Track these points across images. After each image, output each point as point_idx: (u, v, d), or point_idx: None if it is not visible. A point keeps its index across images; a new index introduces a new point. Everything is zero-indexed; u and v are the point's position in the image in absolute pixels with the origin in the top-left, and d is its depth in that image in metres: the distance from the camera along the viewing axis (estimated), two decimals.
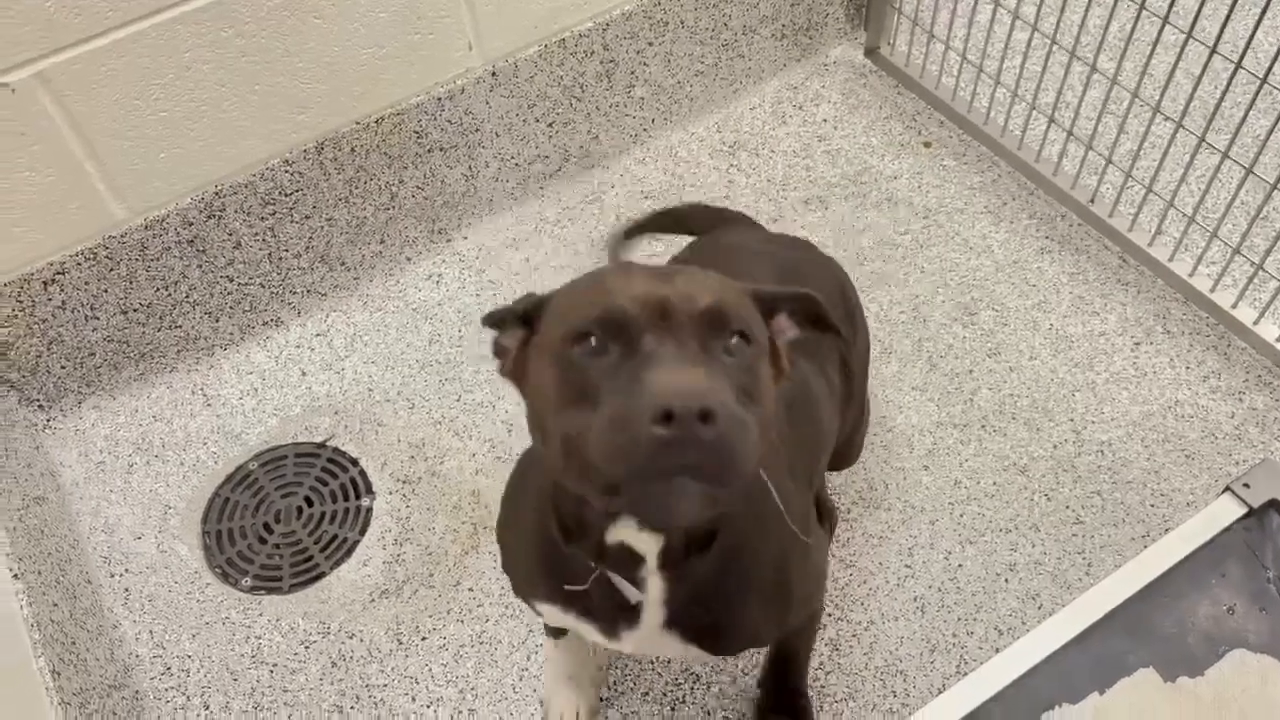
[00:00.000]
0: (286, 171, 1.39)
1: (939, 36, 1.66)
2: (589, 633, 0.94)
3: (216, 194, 1.36)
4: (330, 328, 1.54)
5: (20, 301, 1.31)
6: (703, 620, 0.90)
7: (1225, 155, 1.32)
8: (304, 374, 1.50)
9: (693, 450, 0.62)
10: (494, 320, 0.82)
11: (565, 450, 0.70)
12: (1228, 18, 1.24)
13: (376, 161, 1.46)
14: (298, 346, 1.53)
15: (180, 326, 1.46)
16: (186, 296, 1.43)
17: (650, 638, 0.90)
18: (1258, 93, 1.23)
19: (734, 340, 0.72)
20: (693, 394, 0.62)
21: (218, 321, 1.48)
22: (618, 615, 0.90)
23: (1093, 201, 1.53)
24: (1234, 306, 1.41)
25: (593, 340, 0.70)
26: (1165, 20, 1.31)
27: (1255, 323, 1.40)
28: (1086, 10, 1.42)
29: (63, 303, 1.34)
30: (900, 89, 1.76)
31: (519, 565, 1.00)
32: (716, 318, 0.72)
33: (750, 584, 0.91)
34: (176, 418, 1.46)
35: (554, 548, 0.87)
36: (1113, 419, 1.38)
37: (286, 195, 1.42)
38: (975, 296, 1.52)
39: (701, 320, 0.71)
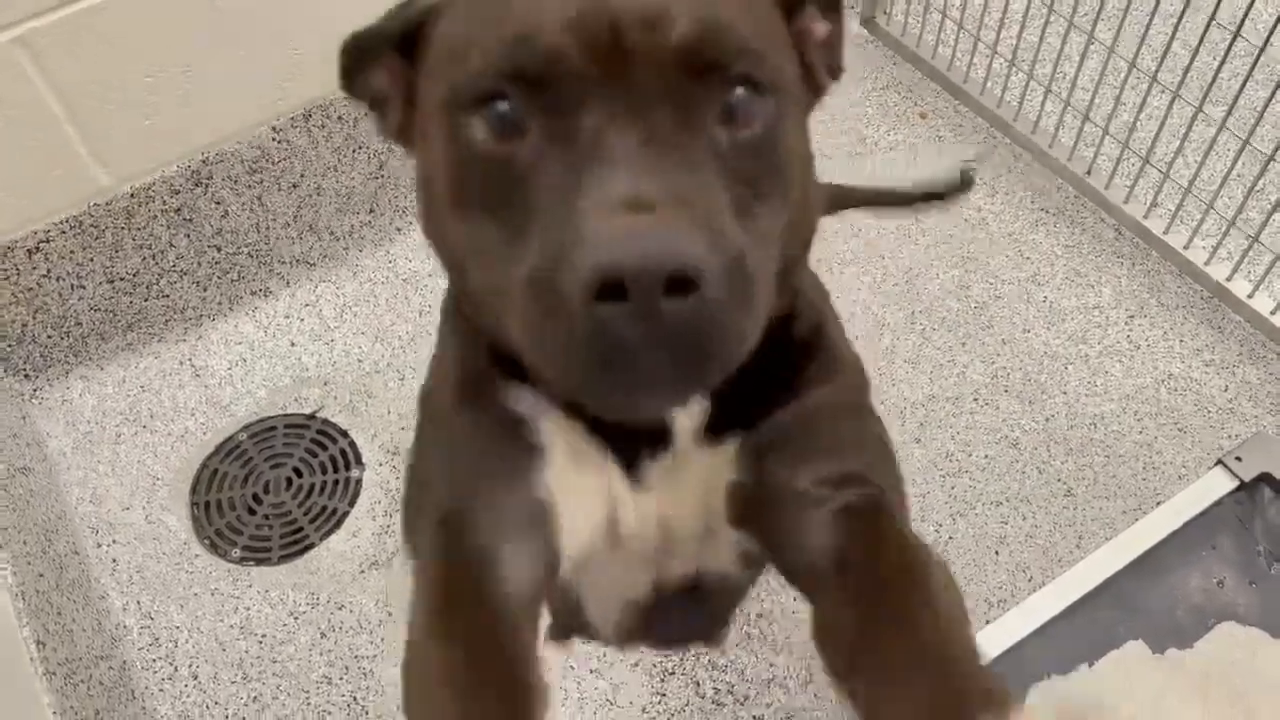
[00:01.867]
0: (274, 139, 1.37)
1: (935, 5, 1.64)
2: (603, 469, 0.59)
3: (203, 162, 1.34)
4: (319, 298, 1.53)
5: (3, 270, 1.30)
6: (752, 413, 0.60)
7: (1222, 126, 1.30)
8: (293, 345, 1.49)
9: (656, 336, 0.40)
10: (355, 52, 0.55)
11: (477, 301, 0.50)
12: None
13: (365, 130, 1.44)
14: (286, 317, 1.51)
15: (168, 296, 1.45)
16: (174, 266, 1.42)
17: (691, 473, 0.60)
18: (1255, 63, 1.22)
19: (737, 93, 0.46)
20: (653, 247, 0.39)
21: (205, 291, 1.47)
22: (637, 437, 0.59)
23: (1089, 173, 1.52)
24: (1229, 279, 1.40)
25: (500, 105, 0.45)
26: None
27: (1249, 296, 1.39)
28: None
29: (47, 271, 1.33)
30: (896, 59, 1.74)
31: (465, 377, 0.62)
32: (704, 57, 0.45)
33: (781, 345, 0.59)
34: (165, 388, 1.45)
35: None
36: (1105, 392, 1.38)
37: (274, 164, 1.40)
38: (969, 269, 1.51)
39: (679, 63, 0.45)
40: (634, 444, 0.59)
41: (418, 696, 0.54)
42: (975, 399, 1.39)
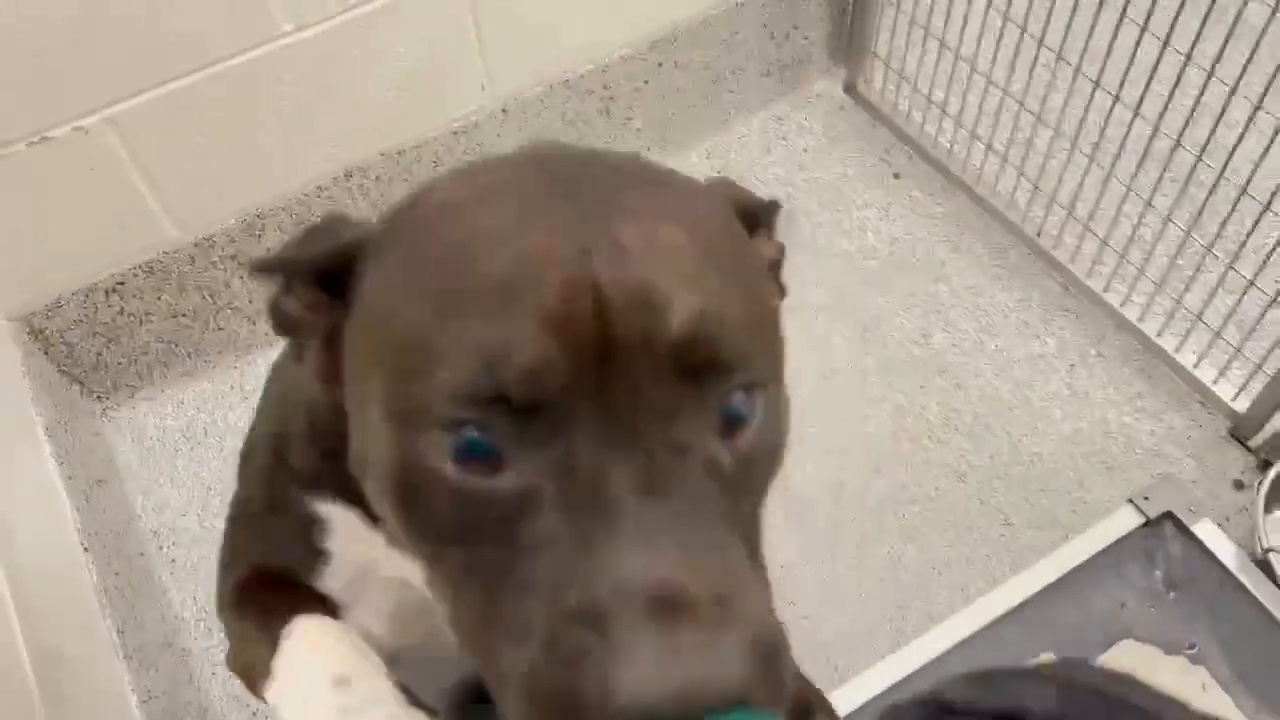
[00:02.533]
0: (318, 196, 1.57)
1: (908, 78, 1.82)
2: (398, 570, 0.57)
3: (257, 216, 1.54)
4: None
5: (85, 308, 1.50)
6: None
7: (1150, 198, 1.48)
8: None
9: None
10: (268, 268, 0.48)
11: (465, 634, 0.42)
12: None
13: (399, 188, 1.63)
14: None
15: (222, 329, 1.65)
16: (228, 303, 1.62)
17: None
18: (1181, 132, 1.40)
19: (735, 397, 0.41)
20: (698, 679, 0.34)
21: (254, 325, 1.67)
22: None
23: (1039, 234, 1.70)
24: (1159, 335, 1.58)
25: (471, 433, 0.39)
26: (1096, 84, 1.48)
27: (1176, 350, 1.57)
28: (1032, 68, 1.58)
29: (121, 309, 1.53)
30: (875, 123, 1.92)
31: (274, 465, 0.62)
32: (702, 356, 0.40)
33: None
34: (217, 409, 1.65)
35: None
36: (1045, 433, 1.56)
37: (316, 216, 1.60)
38: (931, 319, 1.69)
39: (674, 365, 0.39)
40: None
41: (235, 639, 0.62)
42: (930, 436, 1.57)
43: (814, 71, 1.98)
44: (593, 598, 0.36)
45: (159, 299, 1.55)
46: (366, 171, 1.59)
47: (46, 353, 1.51)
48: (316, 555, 0.61)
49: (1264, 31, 1.24)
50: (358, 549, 0.58)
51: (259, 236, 1.57)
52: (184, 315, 1.60)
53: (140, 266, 1.50)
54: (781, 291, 0.55)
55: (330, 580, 0.61)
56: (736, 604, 0.37)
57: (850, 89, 1.94)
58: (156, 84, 1.33)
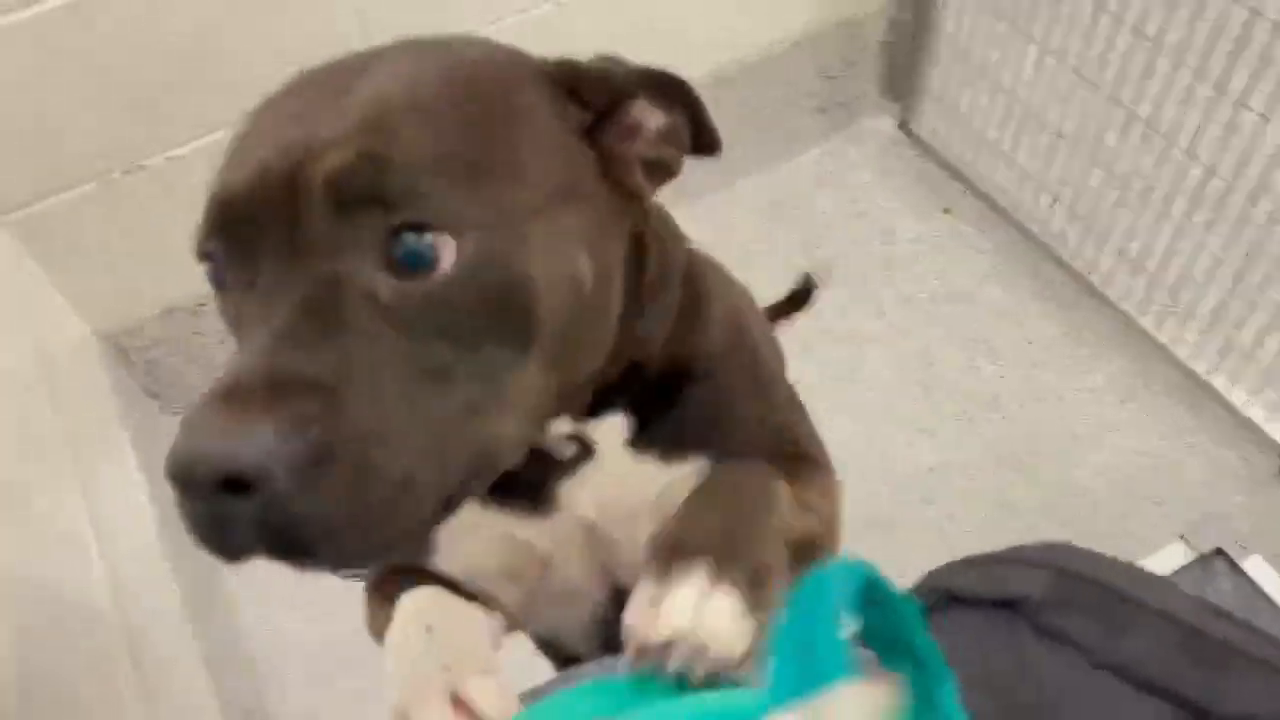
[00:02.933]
0: None
1: (960, 116, 1.86)
2: (503, 526, 0.64)
3: None
4: None
5: (167, 328, 1.57)
6: (677, 427, 0.64)
7: (1201, 243, 1.51)
8: None
9: (246, 527, 0.41)
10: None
11: None
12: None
13: None
14: None
15: None
16: None
17: (616, 475, 0.63)
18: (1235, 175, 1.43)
19: (408, 241, 0.43)
20: (203, 450, 0.40)
21: None
22: (543, 474, 0.62)
23: (1090, 271, 1.73)
24: (1208, 373, 1.60)
25: (209, 265, 0.49)
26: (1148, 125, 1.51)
27: (1226, 389, 1.59)
28: (1085, 108, 1.61)
29: (202, 329, 1.60)
30: (926, 159, 1.96)
31: None
32: (353, 194, 0.43)
33: (719, 376, 0.66)
34: None
35: None
36: (1093, 467, 1.58)
37: None
38: (980, 351, 1.72)
39: (331, 203, 0.44)
40: (539, 472, 0.62)
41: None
42: (980, 467, 1.60)
43: (867, 108, 2.02)
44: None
45: None
46: None
47: (130, 370, 1.58)
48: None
49: None
50: None
51: None
52: None
53: None
54: (667, 166, 0.56)
55: (442, 557, 0.66)
56: (286, 399, 0.41)
57: (903, 126, 1.99)
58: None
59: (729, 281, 0.73)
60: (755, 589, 0.49)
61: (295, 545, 0.42)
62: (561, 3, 1.52)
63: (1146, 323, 1.67)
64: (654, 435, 0.64)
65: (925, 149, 1.96)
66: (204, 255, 0.48)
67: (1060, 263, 1.78)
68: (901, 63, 1.95)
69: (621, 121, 0.53)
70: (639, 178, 0.54)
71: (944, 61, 1.84)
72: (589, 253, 0.50)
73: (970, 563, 0.55)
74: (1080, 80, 1.61)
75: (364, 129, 0.44)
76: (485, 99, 0.48)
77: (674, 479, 0.65)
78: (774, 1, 1.73)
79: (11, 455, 1.05)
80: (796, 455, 0.71)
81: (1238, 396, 1.58)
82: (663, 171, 0.55)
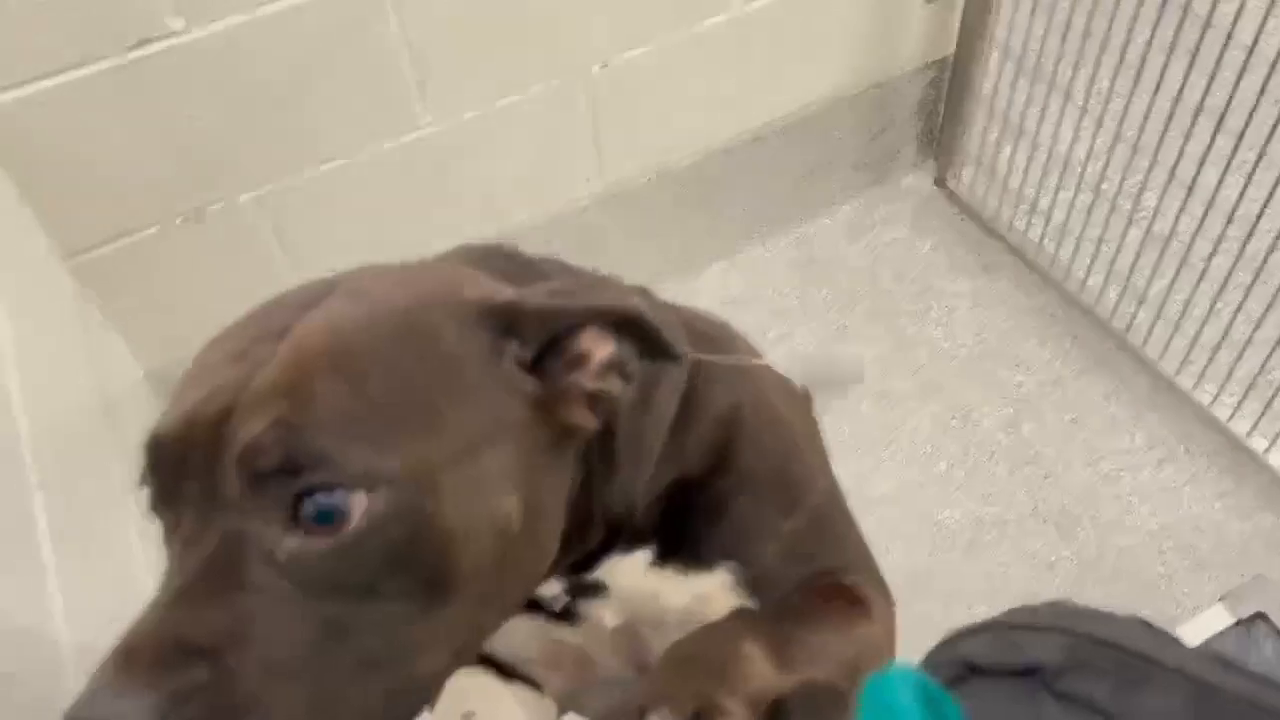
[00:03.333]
0: None
1: (998, 174, 1.88)
2: (526, 627, 0.66)
3: None
4: None
5: None
6: (698, 538, 0.65)
7: (1247, 295, 1.52)
8: None
9: None
10: None
11: None
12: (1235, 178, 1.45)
13: None
14: None
15: None
16: None
17: (638, 590, 0.65)
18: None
19: (312, 499, 0.45)
20: (85, 714, 0.42)
21: None
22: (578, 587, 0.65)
23: (1129, 330, 1.74)
24: (1248, 435, 1.60)
25: (143, 494, 0.50)
26: (1190, 188, 1.52)
27: (1266, 451, 1.58)
28: (1126, 169, 1.63)
29: None
30: (964, 217, 1.98)
31: None
32: (265, 463, 0.45)
33: (736, 481, 0.66)
34: None
35: None
36: (1133, 528, 1.58)
37: None
38: (1019, 409, 1.73)
39: (244, 471, 0.46)
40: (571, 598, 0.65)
41: None
42: (1018, 526, 1.60)
43: (904, 165, 2.05)
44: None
45: None
46: None
47: None
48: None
49: None
50: None
51: None
52: None
53: None
54: (610, 397, 0.54)
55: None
56: (173, 670, 0.42)
57: (940, 183, 2.01)
58: (304, 168, 1.44)
59: (779, 390, 0.73)
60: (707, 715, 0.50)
61: None
62: (605, 65, 1.56)
63: (1185, 383, 1.67)
64: (680, 548, 0.64)
65: (962, 207, 1.98)
66: (141, 485, 0.50)
67: (1099, 322, 1.78)
68: (938, 121, 1.98)
69: (570, 351, 0.53)
70: (580, 411, 0.53)
71: (981, 121, 1.87)
72: (517, 490, 0.50)
73: (982, 629, 0.56)
74: (1119, 140, 1.63)
75: (281, 392, 0.46)
76: (412, 348, 0.49)
77: (702, 592, 0.65)
78: (811, 62, 1.77)
79: (80, 491, 1.07)
80: (829, 591, 0.69)
81: (1276, 459, 1.58)
82: (606, 403, 0.54)
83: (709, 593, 0.65)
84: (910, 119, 1.97)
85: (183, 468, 0.47)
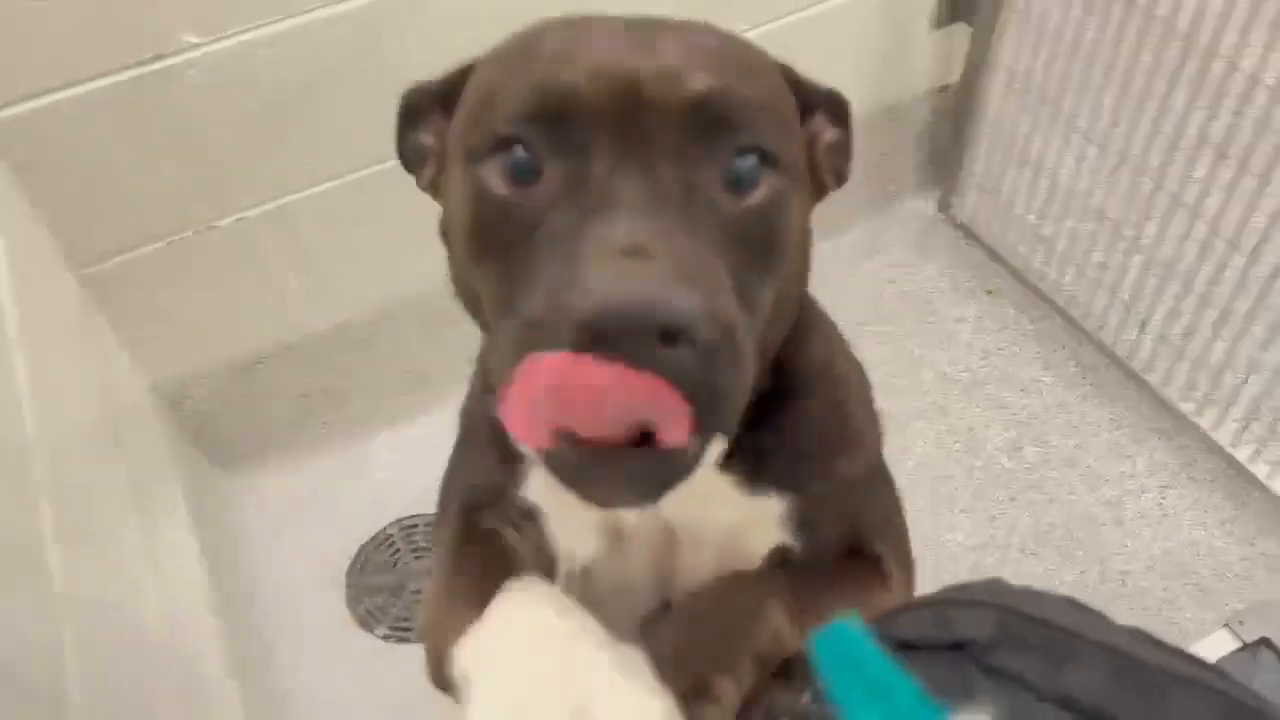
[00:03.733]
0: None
1: (1001, 200, 1.90)
2: (575, 515, 0.64)
3: (390, 306, 1.65)
4: None
5: (224, 383, 1.61)
6: (762, 457, 0.65)
7: (1244, 330, 1.53)
8: (444, 452, 1.77)
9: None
10: (405, 110, 0.61)
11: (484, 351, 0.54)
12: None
13: None
14: (440, 428, 1.80)
15: (347, 408, 1.75)
16: (358, 384, 1.72)
17: (697, 489, 0.56)
18: None
19: (744, 161, 0.49)
20: (649, 296, 0.41)
21: (379, 404, 1.77)
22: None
23: (1131, 356, 1.75)
24: (1251, 462, 1.60)
25: (518, 151, 0.49)
26: (1195, 216, 1.54)
27: (1268, 477, 1.59)
28: (1129, 194, 1.65)
29: (256, 385, 1.64)
30: (968, 241, 2.00)
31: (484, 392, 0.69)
32: (714, 118, 0.49)
33: (808, 410, 0.68)
34: (335, 484, 1.74)
35: None
36: (1136, 553, 1.58)
37: (447, 308, 1.70)
38: (1022, 432, 1.73)
39: (689, 120, 0.48)
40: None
41: (434, 610, 0.66)
42: (1021, 549, 1.60)
43: (908, 190, 2.06)
44: (578, 254, 0.44)
45: (292, 378, 1.66)
46: None
47: (183, 425, 1.62)
48: (516, 460, 0.67)
49: None
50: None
51: (395, 320, 1.67)
52: (312, 394, 1.70)
53: (277, 347, 1.61)
54: (839, 176, 0.63)
55: (531, 487, 0.67)
56: (697, 276, 0.44)
57: (944, 207, 2.03)
58: (316, 184, 1.45)
59: (850, 354, 0.78)
60: (697, 698, 0.52)
61: (699, 405, 0.43)
62: None
63: (1188, 409, 1.68)
64: (742, 459, 0.64)
65: (966, 231, 1.99)
66: (508, 140, 0.49)
67: (1102, 347, 1.79)
68: (943, 146, 1.99)
69: (808, 128, 0.60)
70: (826, 174, 0.62)
71: (985, 146, 1.89)
72: (806, 222, 0.58)
73: (914, 606, 0.57)
74: (1123, 166, 1.64)
75: (711, 67, 0.50)
76: (769, 75, 0.56)
77: (750, 514, 0.66)
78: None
79: (82, 497, 1.07)
80: (860, 555, 0.71)
81: (1278, 485, 1.58)
82: (830, 180, 0.63)
83: (757, 518, 0.67)
84: (916, 143, 1.99)
85: (597, 121, 0.48)
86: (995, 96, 1.83)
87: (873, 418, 0.77)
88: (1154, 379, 1.72)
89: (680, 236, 0.46)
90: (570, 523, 0.67)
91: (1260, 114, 1.41)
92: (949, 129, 1.96)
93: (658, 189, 0.47)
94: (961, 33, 1.82)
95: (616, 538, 0.68)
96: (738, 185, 0.49)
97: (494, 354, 0.48)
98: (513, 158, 0.49)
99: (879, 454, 0.77)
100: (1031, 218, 1.85)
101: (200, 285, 1.49)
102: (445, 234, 0.57)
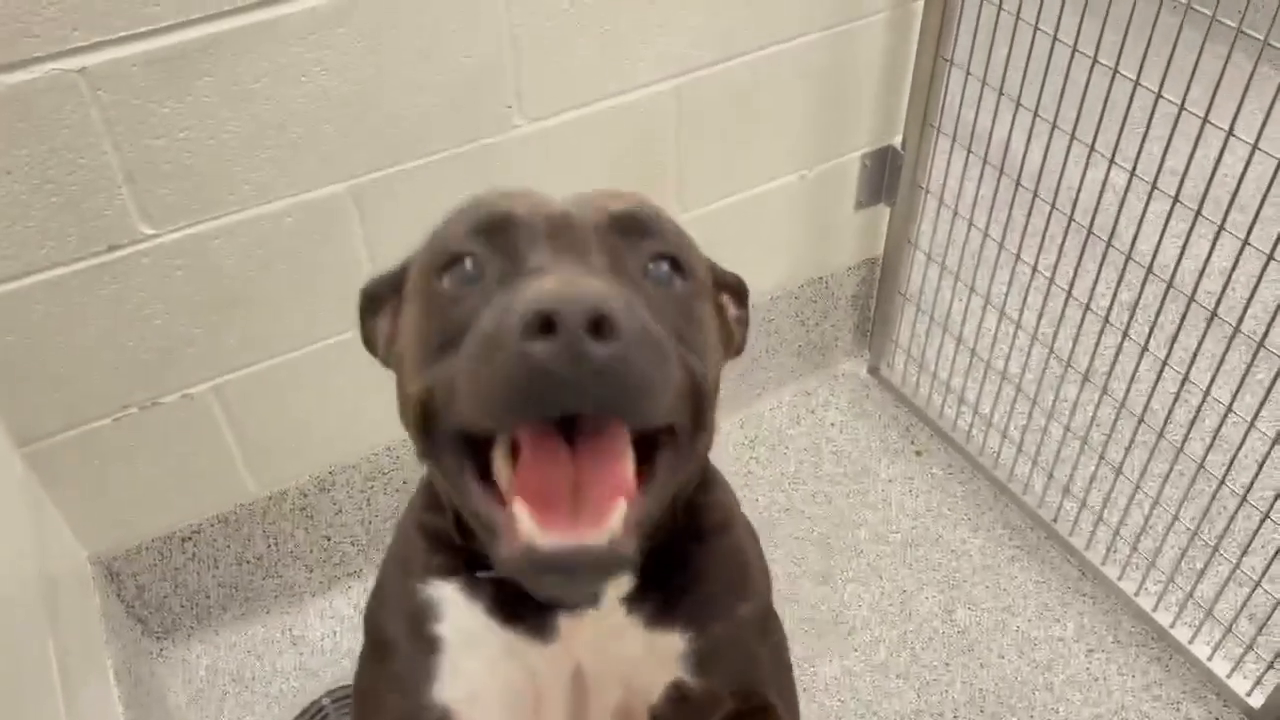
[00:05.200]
0: (388, 455, 1.70)
1: (926, 366, 1.99)
2: (505, 641, 0.70)
3: (329, 472, 1.67)
4: None
5: (161, 554, 1.60)
6: (666, 597, 0.72)
7: (1156, 500, 1.60)
8: None
9: (585, 373, 0.47)
10: (365, 300, 0.73)
11: (423, 412, 0.58)
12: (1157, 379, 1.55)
13: None
14: None
15: (281, 576, 1.74)
16: (291, 551, 1.72)
17: (605, 625, 0.71)
18: (1192, 423, 1.52)
19: (660, 264, 0.60)
20: (580, 294, 0.48)
21: (311, 572, 1.76)
22: (552, 604, 0.69)
23: (1055, 519, 1.81)
24: (1172, 626, 1.65)
25: (467, 263, 0.58)
26: (1102, 390, 1.63)
27: (1190, 641, 1.63)
28: (1045, 365, 1.74)
29: (193, 555, 1.63)
30: (898, 403, 2.07)
31: (396, 568, 0.78)
32: (633, 227, 0.60)
33: (710, 555, 0.76)
34: (266, 654, 1.71)
35: (447, 539, 0.71)
36: (1066, 718, 1.60)
37: (384, 473, 1.73)
38: (954, 595, 1.77)
39: (612, 230, 0.60)
40: (546, 618, 0.70)
41: None
42: (954, 716, 1.61)
43: (841, 353, 2.15)
44: (517, 292, 0.52)
45: (228, 547, 1.66)
46: None
47: (119, 594, 1.60)
48: (431, 648, 0.71)
49: (1255, 353, 1.39)
50: (463, 622, 0.71)
51: (328, 491, 1.69)
52: (248, 562, 1.69)
53: (216, 517, 1.61)
54: (738, 346, 0.77)
55: (446, 682, 0.70)
56: (625, 297, 0.52)
57: (874, 371, 2.11)
58: (262, 359, 1.49)
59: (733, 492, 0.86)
60: None
61: (625, 391, 0.49)
62: None
63: (1111, 572, 1.73)
64: (649, 598, 0.72)
65: (896, 393, 2.07)
66: (456, 255, 0.59)
67: (1027, 510, 1.85)
68: (871, 314, 2.09)
69: (716, 299, 0.72)
70: (736, 334, 0.76)
71: (909, 315, 1.99)
72: (719, 355, 0.69)
73: None
74: (1036, 340, 1.74)
75: (631, 199, 0.62)
76: (678, 226, 0.66)
77: (653, 650, 0.72)
78: (755, 262, 1.87)
79: (8, 673, 1.06)
80: (752, 706, 0.76)
81: (1200, 649, 1.62)
82: (736, 343, 0.76)
83: (659, 653, 0.73)
84: (846, 311, 2.09)
85: (533, 233, 0.58)
86: (916, 271, 1.94)
87: (764, 567, 0.85)
88: (1078, 542, 1.78)
89: (600, 279, 0.54)
90: (481, 666, 0.70)
91: (1156, 292, 1.51)
92: (875, 299, 2.06)
93: (588, 267, 0.56)
94: (882, 212, 1.94)
95: (529, 695, 0.72)
96: (657, 283, 0.59)
97: (445, 396, 0.55)
98: (463, 269, 0.58)
99: (770, 600, 0.84)
100: (956, 382, 1.94)
101: (143, 459, 1.50)
102: (398, 370, 0.65)
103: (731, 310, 0.75)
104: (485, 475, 0.58)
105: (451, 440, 0.58)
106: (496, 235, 0.58)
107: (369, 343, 0.74)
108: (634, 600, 0.71)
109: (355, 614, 1.77)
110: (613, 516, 0.52)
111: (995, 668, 1.67)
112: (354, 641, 1.73)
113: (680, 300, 0.60)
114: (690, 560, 0.74)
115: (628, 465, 0.55)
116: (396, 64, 1.33)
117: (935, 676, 1.66)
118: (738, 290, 0.76)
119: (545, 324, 0.47)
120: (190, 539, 1.61)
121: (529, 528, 0.51)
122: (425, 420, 0.59)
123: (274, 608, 1.76)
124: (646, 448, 0.59)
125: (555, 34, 1.42)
